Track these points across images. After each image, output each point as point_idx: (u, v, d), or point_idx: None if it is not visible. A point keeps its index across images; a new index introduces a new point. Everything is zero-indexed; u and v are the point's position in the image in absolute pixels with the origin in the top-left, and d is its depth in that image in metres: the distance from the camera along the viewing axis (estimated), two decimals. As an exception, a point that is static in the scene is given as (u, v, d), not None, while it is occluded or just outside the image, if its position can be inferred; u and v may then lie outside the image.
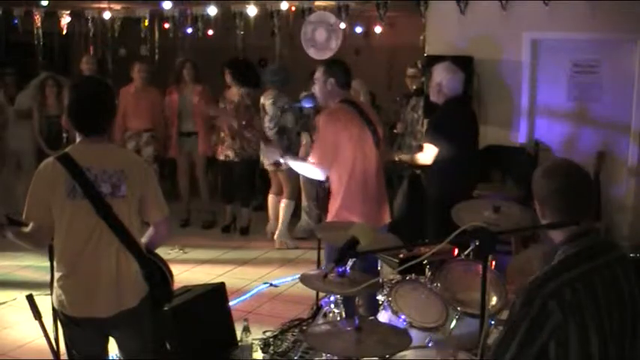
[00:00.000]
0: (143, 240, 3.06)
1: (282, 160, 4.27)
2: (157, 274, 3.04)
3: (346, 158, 4.06)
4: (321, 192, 7.51)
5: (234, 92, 7.45)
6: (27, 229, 2.92)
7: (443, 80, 5.09)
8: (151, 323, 3.03)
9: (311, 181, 7.41)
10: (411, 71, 7.10)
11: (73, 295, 2.90)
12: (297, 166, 4.29)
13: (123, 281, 2.90)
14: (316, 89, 4.32)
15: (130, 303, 2.92)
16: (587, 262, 2.17)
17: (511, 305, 2.19)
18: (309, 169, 4.17)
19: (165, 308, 3.18)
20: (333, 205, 4.19)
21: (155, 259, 3.08)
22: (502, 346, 2.14)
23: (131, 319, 2.94)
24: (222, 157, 7.54)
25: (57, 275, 2.94)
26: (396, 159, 5.34)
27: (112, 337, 3.05)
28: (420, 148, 5.12)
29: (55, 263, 2.96)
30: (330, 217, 4.24)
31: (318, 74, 4.25)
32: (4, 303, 5.44)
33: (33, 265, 6.11)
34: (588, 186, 2.28)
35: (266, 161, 6.89)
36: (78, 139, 2.99)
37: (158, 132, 7.94)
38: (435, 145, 4.93)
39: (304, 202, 7.63)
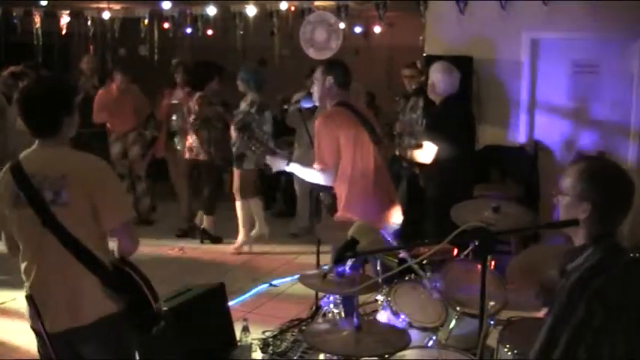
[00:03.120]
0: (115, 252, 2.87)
1: (287, 169, 4.20)
2: (129, 291, 2.80)
3: (345, 159, 4.06)
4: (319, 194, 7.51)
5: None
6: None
7: (435, 80, 5.11)
8: (122, 346, 2.84)
9: (304, 181, 7.42)
10: (407, 71, 7.09)
11: (30, 306, 2.77)
12: (304, 173, 4.21)
13: (74, 295, 2.71)
14: (314, 88, 4.29)
15: (85, 320, 2.72)
16: (616, 263, 2.20)
17: (552, 303, 2.20)
18: (315, 175, 4.12)
19: (154, 330, 2.87)
20: (338, 206, 4.18)
21: (133, 275, 2.82)
22: (549, 347, 2.17)
23: (89, 339, 2.75)
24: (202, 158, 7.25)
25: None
26: (396, 153, 5.34)
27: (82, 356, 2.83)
28: (419, 146, 5.11)
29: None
30: (335, 218, 4.23)
31: (317, 73, 4.23)
32: (3, 303, 5.44)
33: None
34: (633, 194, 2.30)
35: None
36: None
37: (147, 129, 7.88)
38: (435, 143, 4.93)
39: (298, 202, 7.64)
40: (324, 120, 4.10)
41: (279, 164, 4.19)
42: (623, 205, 2.26)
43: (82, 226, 2.71)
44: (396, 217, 4.26)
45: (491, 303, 3.38)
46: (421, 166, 5.31)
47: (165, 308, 3.29)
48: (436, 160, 4.97)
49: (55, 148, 2.78)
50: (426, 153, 4.97)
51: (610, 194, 2.24)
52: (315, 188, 7.26)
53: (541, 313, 2.84)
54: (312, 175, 4.15)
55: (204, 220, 7.36)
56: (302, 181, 7.44)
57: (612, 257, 2.21)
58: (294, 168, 4.16)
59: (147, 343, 2.98)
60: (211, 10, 8.73)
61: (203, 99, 7.00)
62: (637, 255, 2.40)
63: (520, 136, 6.94)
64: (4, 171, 2.79)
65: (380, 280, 3.62)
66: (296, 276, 4.80)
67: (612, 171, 2.30)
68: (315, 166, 4.09)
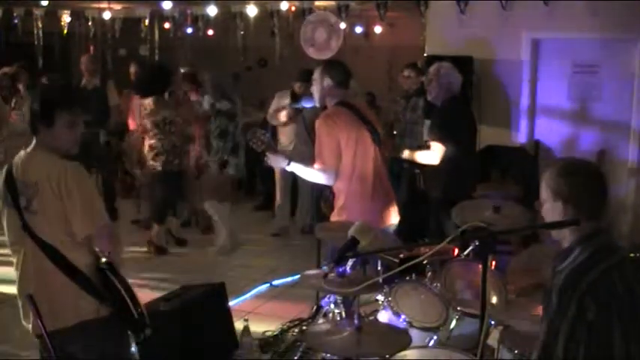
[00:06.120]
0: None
1: (288, 168, 4.20)
2: (111, 297, 2.80)
3: (346, 159, 4.06)
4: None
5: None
6: None
7: (452, 80, 5.10)
8: (107, 351, 2.86)
9: (285, 179, 7.42)
10: (405, 73, 7.09)
11: (22, 306, 2.88)
12: (303, 172, 4.21)
13: (54, 298, 2.75)
14: (313, 89, 4.29)
15: (65, 322, 2.77)
16: (605, 260, 2.22)
17: (545, 304, 2.21)
18: (315, 175, 4.12)
19: (142, 337, 2.88)
20: (336, 206, 4.18)
21: (114, 281, 2.81)
22: (549, 347, 2.19)
23: (73, 340, 2.79)
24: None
25: None
26: (400, 154, 5.34)
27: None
28: (422, 148, 5.10)
29: None
30: (332, 217, 4.24)
31: (316, 74, 4.22)
32: (4, 302, 5.44)
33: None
34: (606, 186, 2.33)
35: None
36: None
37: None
38: (443, 143, 4.90)
39: (278, 200, 7.62)
40: (324, 120, 4.09)
41: (279, 162, 4.20)
42: (592, 194, 2.27)
43: (56, 232, 2.74)
44: (393, 218, 4.27)
45: (492, 302, 3.39)
46: (422, 166, 5.31)
47: (164, 309, 3.28)
48: (442, 160, 4.95)
49: (39, 152, 2.83)
50: (433, 154, 4.94)
51: (575, 185, 2.27)
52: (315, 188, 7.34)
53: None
54: (312, 174, 4.14)
55: (153, 229, 6.89)
56: (284, 181, 7.47)
57: (601, 255, 2.23)
58: (294, 167, 4.16)
59: (147, 343, 2.99)
60: (212, 10, 8.73)
61: (157, 100, 6.62)
62: (637, 255, 2.41)
63: (520, 136, 6.94)
64: (2, 172, 2.88)
65: (380, 280, 3.62)
66: (297, 276, 4.81)
67: (575, 165, 2.35)
68: (315, 165, 4.09)
